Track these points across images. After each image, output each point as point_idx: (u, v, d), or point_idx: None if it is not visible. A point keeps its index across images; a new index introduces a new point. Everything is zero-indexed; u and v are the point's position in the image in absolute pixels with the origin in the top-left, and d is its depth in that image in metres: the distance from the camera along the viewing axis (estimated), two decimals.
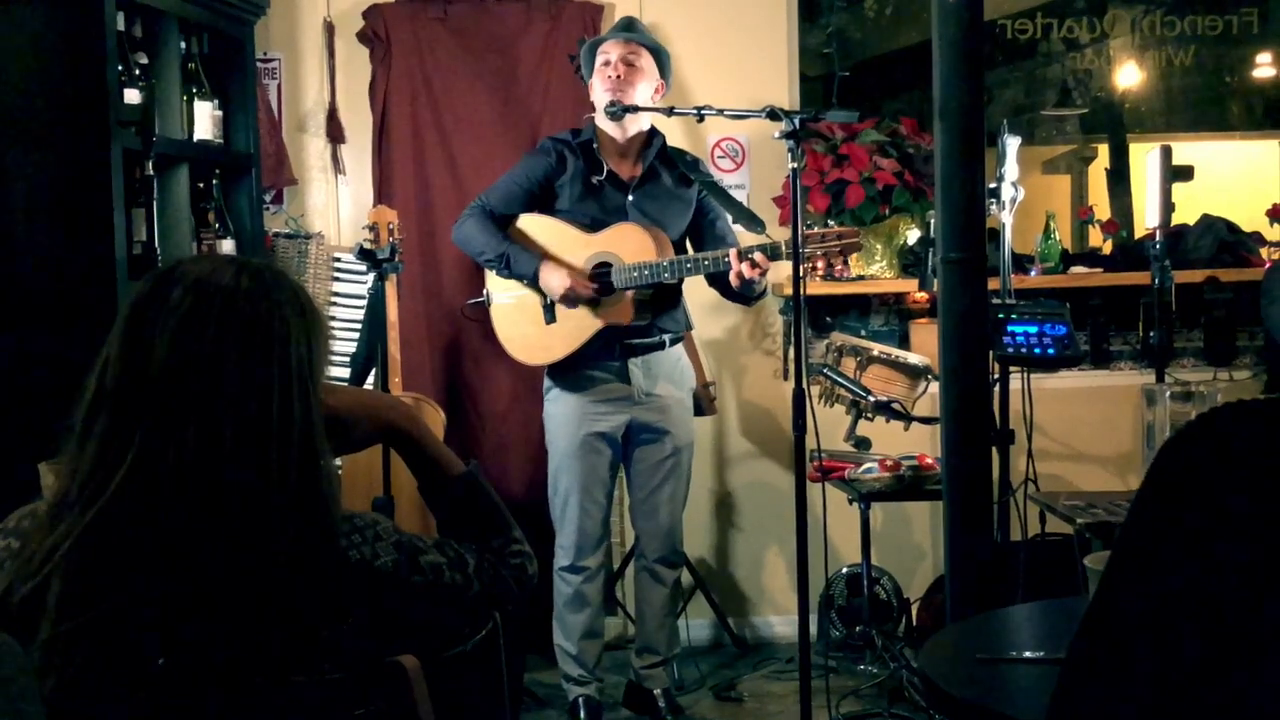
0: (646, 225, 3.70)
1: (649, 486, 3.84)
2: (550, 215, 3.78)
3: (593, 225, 3.73)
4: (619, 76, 3.69)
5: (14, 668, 1.10)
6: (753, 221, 3.65)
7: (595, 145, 3.76)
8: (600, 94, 3.71)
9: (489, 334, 3.96)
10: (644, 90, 3.71)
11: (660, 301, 3.74)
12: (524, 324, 3.79)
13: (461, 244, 3.83)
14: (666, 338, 3.78)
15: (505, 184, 3.82)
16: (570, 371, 3.77)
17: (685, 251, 3.80)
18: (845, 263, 4.32)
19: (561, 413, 3.78)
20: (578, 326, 3.71)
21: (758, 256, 3.47)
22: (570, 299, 3.66)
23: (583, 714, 3.85)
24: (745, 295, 3.67)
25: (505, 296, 3.82)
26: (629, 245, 3.67)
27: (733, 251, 3.52)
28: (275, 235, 4.34)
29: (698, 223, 3.85)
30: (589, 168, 3.76)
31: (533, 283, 3.71)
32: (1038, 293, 4.26)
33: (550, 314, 3.73)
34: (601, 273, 3.69)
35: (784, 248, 3.41)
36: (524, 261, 3.70)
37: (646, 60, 3.75)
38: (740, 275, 3.50)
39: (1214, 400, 3.27)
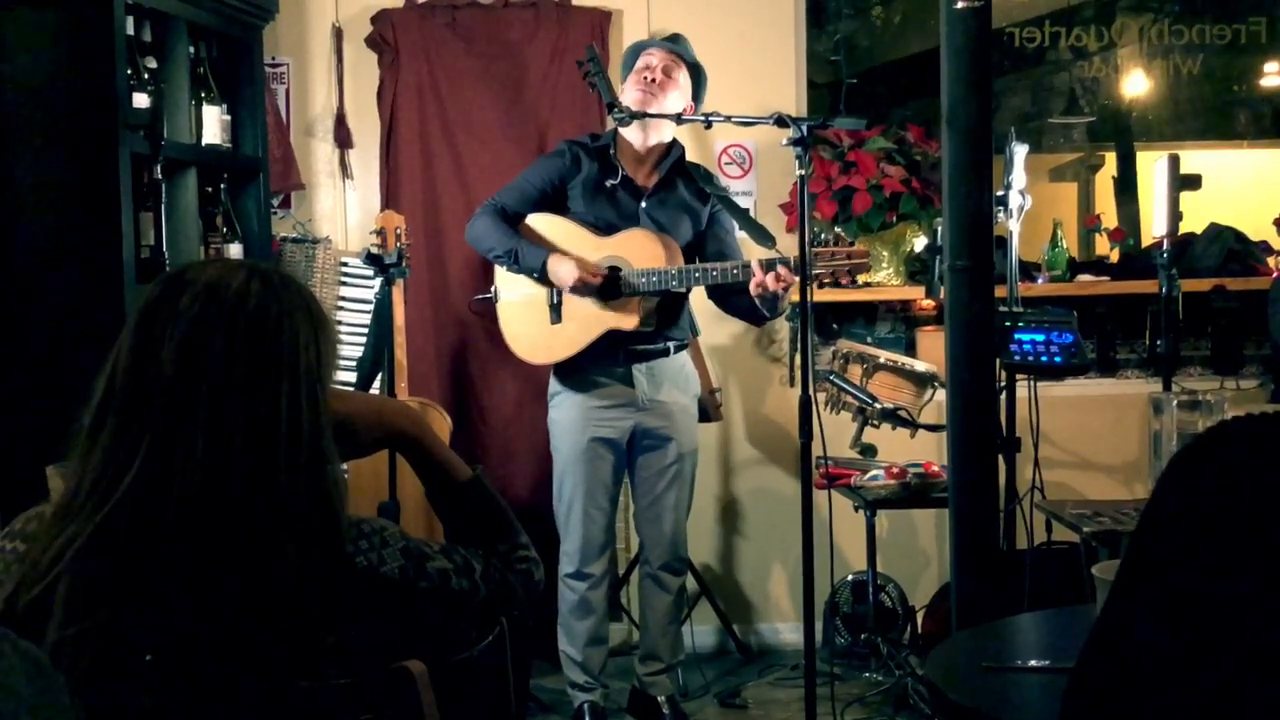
0: (658, 232, 3.70)
1: (653, 493, 3.83)
2: (562, 216, 3.78)
3: (605, 229, 3.73)
4: (653, 80, 3.69)
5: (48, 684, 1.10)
6: (764, 237, 3.62)
7: (612, 151, 3.76)
8: (631, 94, 3.71)
9: (495, 339, 3.96)
10: (673, 102, 3.71)
11: (666, 309, 3.73)
12: (529, 323, 3.79)
13: (473, 242, 3.83)
14: (671, 344, 3.78)
15: (519, 184, 3.82)
16: (575, 376, 3.76)
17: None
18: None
19: (566, 418, 3.78)
20: (582, 328, 3.71)
21: (782, 270, 3.41)
22: (579, 289, 3.65)
23: None
24: (757, 311, 3.59)
25: (512, 294, 3.81)
26: (639, 250, 3.66)
27: (755, 262, 3.47)
28: (283, 239, 4.35)
29: (702, 235, 3.82)
30: (604, 172, 3.76)
31: (541, 275, 3.69)
32: (1044, 301, 4.26)
33: (556, 314, 3.73)
34: (610, 275, 3.68)
35: (794, 263, 3.39)
36: (533, 255, 3.69)
37: (684, 76, 3.75)
38: (763, 286, 3.45)
39: (1220, 409, 3.26)
